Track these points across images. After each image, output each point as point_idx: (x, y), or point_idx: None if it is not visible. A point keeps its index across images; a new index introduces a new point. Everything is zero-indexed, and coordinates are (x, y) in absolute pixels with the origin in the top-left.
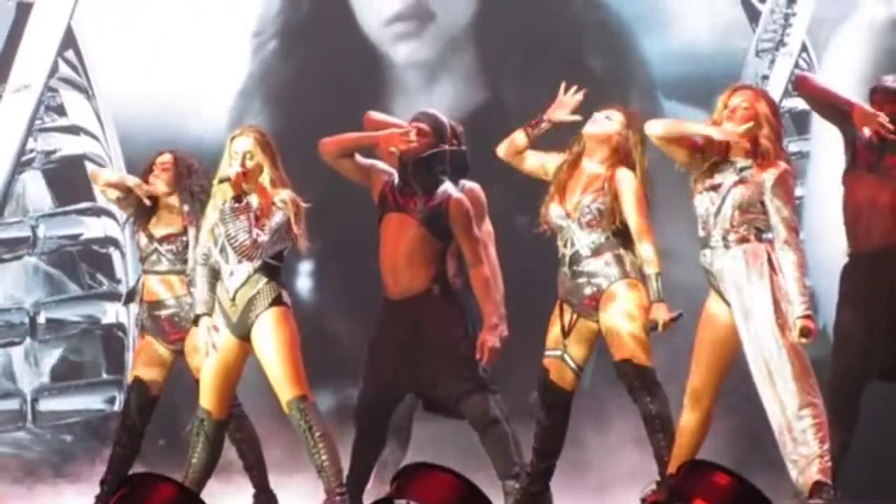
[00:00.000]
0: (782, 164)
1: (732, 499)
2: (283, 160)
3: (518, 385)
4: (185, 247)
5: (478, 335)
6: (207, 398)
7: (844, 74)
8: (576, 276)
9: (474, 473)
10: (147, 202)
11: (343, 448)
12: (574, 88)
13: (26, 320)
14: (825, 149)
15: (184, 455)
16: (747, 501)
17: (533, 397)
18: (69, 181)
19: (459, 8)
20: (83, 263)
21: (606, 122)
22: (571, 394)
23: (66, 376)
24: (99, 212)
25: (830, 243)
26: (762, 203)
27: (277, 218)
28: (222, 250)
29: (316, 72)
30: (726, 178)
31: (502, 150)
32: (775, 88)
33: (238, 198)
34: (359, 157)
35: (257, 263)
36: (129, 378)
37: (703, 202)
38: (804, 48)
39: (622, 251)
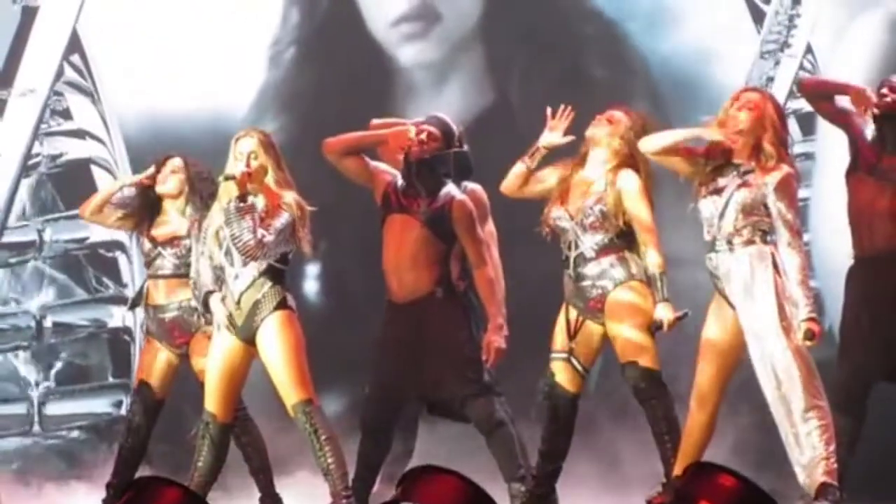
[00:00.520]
0: (785, 167)
1: (738, 501)
2: (292, 164)
3: (523, 387)
4: (189, 250)
5: (482, 337)
6: (213, 402)
7: (849, 76)
8: (581, 279)
9: (480, 476)
10: (150, 194)
11: (349, 451)
12: (562, 109)
13: (33, 324)
14: (831, 150)
15: (189, 459)
16: (753, 503)
17: (538, 400)
18: (75, 185)
19: (466, 9)
20: (89, 267)
21: (608, 125)
22: (577, 396)
23: (73, 380)
24: None
25: (837, 244)
26: (765, 206)
27: (283, 219)
28: (227, 253)
29: (326, 75)
30: (729, 181)
31: (506, 186)
32: (780, 90)
33: (243, 197)
34: (362, 158)
35: (262, 266)
36: (134, 381)
37: (707, 206)
38: (808, 50)
39: (627, 253)
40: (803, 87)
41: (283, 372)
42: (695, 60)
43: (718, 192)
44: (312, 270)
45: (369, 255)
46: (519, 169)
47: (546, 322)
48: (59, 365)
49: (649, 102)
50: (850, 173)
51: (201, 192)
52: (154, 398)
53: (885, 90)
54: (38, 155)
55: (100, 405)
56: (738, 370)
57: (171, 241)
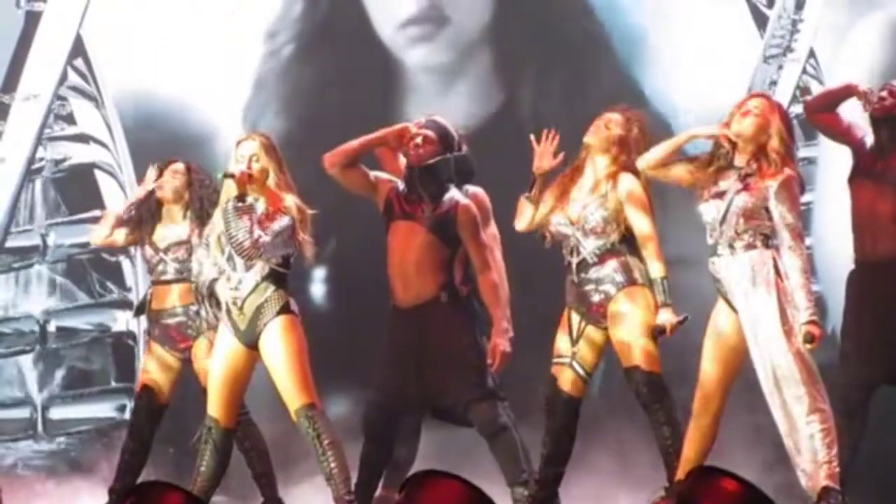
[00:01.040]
0: (787, 170)
1: None
2: (295, 165)
3: (526, 392)
4: (191, 254)
5: (485, 342)
6: (215, 406)
7: (851, 80)
8: (583, 284)
9: (483, 480)
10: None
11: (351, 455)
12: (545, 133)
13: (36, 329)
14: (833, 154)
15: (192, 463)
16: None
17: (541, 404)
18: (79, 189)
19: (474, 12)
20: (93, 271)
21: (605, 129)
22: (580, 400)
23: (76, 384)
24: None
25: (840, 248)
26: (767, 210)
27: (282, 221)
28: (230, 258)
29: (331, 76)
30: (730, 185)
31: (519, 225)
32: (783, 95)
33: (241, 197)
34: (363, 168)
35: (265, 271)
36: (137, 386)
37: (709, 210)
38: (811, 54)
39: (628, 257)
40: (807, 111)
41: (286, 376)
42: (699, 64)
43: (720, 196)
44: (316, 274)
45: (373, 258)
46: (523, 205)
47: (548, 326)
48: (62, 369)
49: (656, 106)
50: (852, 178)
51: (202, 198)
52: (157, 403)
53: (884, 93)
54: (41, 159)
55: (103, 409)
56: (740, 374)
57: (172, 246)
